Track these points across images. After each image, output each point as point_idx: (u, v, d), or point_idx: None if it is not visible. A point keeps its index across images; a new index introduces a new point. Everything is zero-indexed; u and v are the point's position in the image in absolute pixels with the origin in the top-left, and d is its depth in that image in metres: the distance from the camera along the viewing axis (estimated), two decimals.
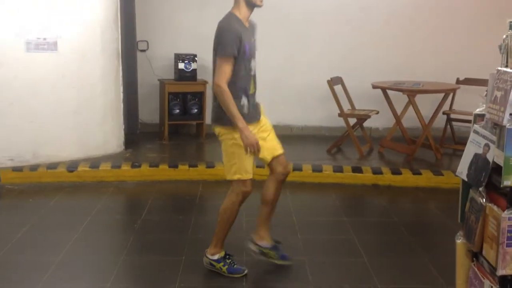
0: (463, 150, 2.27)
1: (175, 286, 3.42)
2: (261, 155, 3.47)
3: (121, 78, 6.22)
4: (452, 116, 6.61)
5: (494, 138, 2.04)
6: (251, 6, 3.34)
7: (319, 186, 5.54)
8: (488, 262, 2.09)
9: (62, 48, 5.60)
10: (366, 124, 6.69)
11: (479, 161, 2.15)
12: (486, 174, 2.08)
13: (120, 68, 6.20)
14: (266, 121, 3.59)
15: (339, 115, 6.30)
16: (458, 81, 6.66)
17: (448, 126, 6.69)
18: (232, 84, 3.29)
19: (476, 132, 2.19)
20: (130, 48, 6.73)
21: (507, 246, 1.97)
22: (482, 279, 2.13)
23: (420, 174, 5.60)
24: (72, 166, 5.60)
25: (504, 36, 2.07)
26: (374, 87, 6.28)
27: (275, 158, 3.56)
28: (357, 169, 5.69)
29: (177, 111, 6.84)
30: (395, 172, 5.64)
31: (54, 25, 5.53)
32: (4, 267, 3.68)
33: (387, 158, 6.28)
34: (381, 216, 4.91)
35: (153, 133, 7.03)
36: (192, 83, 6.82)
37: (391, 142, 6.42)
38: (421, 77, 6.68)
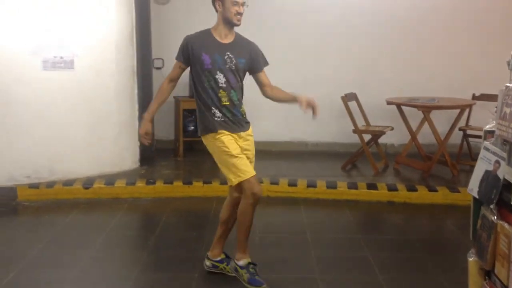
0: None
1: None
2: None
3: (136, 95, 6.29)
4: (469, 132, 6.55)
5: (504, 154, 2.02)
6: (229, 24, 3.51)
7: (333, 202, 5.51)
8: (500, 281, 2.06)
9: (78, 66, 5.69)
10: (381, 140, 6.66)
11: (489, 178, 2.12)
12: (497, 191, 2.05)
13: (136, 85, 6.27)
14: (251, 143, 3.66)
15: (354, 131, 6.28)
16: (474, 97, 6.61)
17: (465, 142, 6.64)
18: (200, 94, 3.53)
19: (486, 148, 2.17)
20: (146, 66, 6.80)
21: None
22: None
23: (436, 191, 5.54)
24: (87, 183, 5.65)
25: None
26: (389, 103, 6.26)
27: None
28: (372, 186, 5.66)
29: (192, 127, 6.88)
30: (411, 188, 5.59)
31: (70, 44, 5.63)
32: (19, 283, 3.71)
33: (403, 175, 6.24)
34: (396, 233, 4.85)
35: (168, 150, 7.08)
36: None
37: (406, 158, 6.37)
38: (436, 93, 6.65)
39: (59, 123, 5.70)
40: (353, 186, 5.67)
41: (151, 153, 6.79)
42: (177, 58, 3.60)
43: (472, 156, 6.55)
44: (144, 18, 6.63)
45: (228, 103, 3.51)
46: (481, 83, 6.65)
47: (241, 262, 3.60)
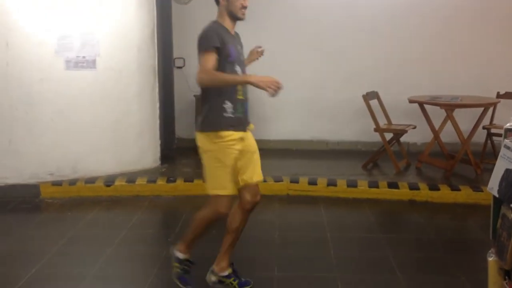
0: None
1: None
2: (236, 177, 3.34)
3: (157, 95, 6.33)
4: (493, 131, 6.44)
5: None
6: (234, 18, 3.31)
7: (353, 201, 5.47)
8: None
9: (100, 66, 5.75)
10: (404, 139, 6.59)
11: (509, 176, 2.09)
12: None
13: (157, 84, 6.32)
14: (252, 141, 3.44)
15: (375, 130, 6.23)
16: (499, 95, 6.50)
17: (489, 141, 6.53)
18: (216, 87, 3.20)
19: (507, 147, 2.14)
20: (167, 65, 6.84)
21: None
22: None
23: (459, 190, 5.46)
24: (109, 180, 5.71)
25: None
26: (411, 101, 6.19)
27: (247, 185, 3.38)
28: (393, 185, 5.60)
29: None
30: (433, 187, 5.52)
31: (93, 44, 5.69)
32: (41, 279, 3.76)
33: (425, 174, 6.16)
34: (417, 233, 4.79)
35: (189, 148, 7.06)
36: None
37: (429, 157, 6.29)
38: (459, 91, 6.55)
39: (82, 122, 5.77)
40: (374, 184, 5.62)
41: (172, 152, 6.83)
42: (212, 45, 3.11)
43: (496, 155, 6.37)
44: (166, 17, 6.67)
45: (242, 97, 3.30)
46: (506, 81, 6.54)
47: (181, 256, 3.50)
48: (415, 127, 6.37)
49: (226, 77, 3.14)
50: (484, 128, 6.38)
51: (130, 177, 5.80)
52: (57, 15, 5.55)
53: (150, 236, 4.80)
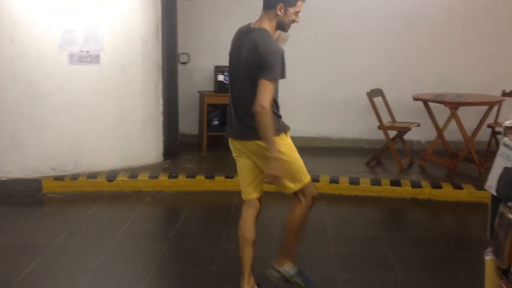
0: None
1: None
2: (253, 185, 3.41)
3: (161, 90, 6.33)
4: (498, 129, 6.39)
5: None
6: (280, 29, 3.22)
7: (356, 199, 5.46)
8: None
9: (103, 61, 5.75)
10: (408, 137, 6.56)
11: (508, 175, 2.06)
12: None
13: (161, 80, 6.31)
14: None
15: (379, 127, 6.20)
16: (504, 93, 6.46)
17: (493, 140, 6.49)
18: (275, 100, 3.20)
19: (505, 145, 2.12)
20: (171, 60, 6.83)
21: None
22: None
23: (461, 188, 5.43)
24: (111, 175, 5.72)
25: None
26: (415, 99, 6.15)
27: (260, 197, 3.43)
28: (395, 183, 5.58)
29: (216, 122, 6.90)
30: (435, 186, 5.50)
31: (97, 39, 5.69)
32: (41, 272, 3.77)
33: (428, 172, 6.13)
34: (419, 231, 4.78)
35: (192, 144, 7.10)
36: None
37: (432, 155, 6.26)
38: (464, 89, 6.51)
39: (85, 117, 5.77)
40: (376, 182, 5.60)
41: (176, 147, 6.83)
42: (278, 78, 3.04)
43: None
44: (170, 12, 6.65)
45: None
46: None
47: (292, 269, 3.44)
48: (419, 125, 6.34)
49: (270, 133, 3.05)
50: (488, 126, 6.34)
51: (132, 173, 5.81)
52: (61, 10, 5.54)
53: (151, 232, 4.81)
